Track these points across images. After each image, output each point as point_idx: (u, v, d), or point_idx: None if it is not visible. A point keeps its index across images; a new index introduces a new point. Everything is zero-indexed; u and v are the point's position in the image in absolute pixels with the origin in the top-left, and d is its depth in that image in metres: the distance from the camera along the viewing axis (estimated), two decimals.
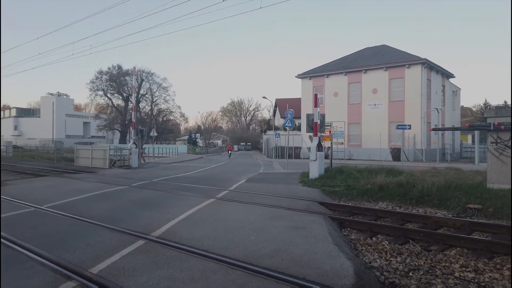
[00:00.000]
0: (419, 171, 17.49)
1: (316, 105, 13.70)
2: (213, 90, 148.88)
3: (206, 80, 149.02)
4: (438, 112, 30.08)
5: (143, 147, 22.87)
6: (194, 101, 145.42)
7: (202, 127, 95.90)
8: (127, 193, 11.15)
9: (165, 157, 35.18)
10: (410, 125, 22.84)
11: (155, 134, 30.83)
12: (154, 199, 9.93)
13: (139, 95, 50.03)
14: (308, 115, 14.60)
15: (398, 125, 21.95)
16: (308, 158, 35.68)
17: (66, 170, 19.00)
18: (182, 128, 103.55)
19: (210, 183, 13.64)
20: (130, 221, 7.21)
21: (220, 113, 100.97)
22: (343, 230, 7.31)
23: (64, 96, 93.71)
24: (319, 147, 13.64)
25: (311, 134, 14.55)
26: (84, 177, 15.85)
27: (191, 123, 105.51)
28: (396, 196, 9.99)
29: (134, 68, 21.55)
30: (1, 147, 30.67)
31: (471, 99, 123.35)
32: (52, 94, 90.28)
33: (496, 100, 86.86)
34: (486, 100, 68.38)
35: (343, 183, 12.04)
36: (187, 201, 9.48)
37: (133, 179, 14.74)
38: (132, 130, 21.47)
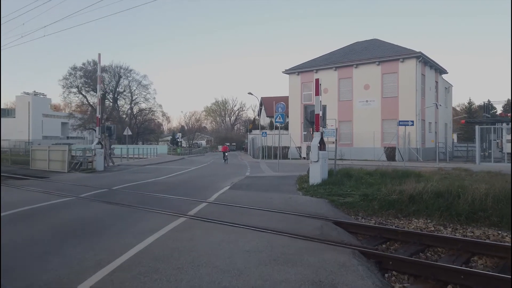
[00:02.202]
0: (425, 173, 15.05)
1: (317, 93, 10.82)
2: (196, 90, 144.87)
3: (189, 79, 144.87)
4: (437, 108, 27.82)
5: (111, 147, 19.56)
6: (176, 100, 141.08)
7: (186, 127, 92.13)
8: (65, 209, 7.97)
9: (142, 158, 31.74)
10: (412, 121, 20.33)
11: (129, 133, 27.41)
12: (98, 220, 6.81)
13: (117, 93, 46.19)
14: (306, 107, 11.72)
15: (400, 121, 19.40)
16: (298, 158, 33.21)
17: (14, 175, 15.52)
18: (165, 128, 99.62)
19: (185, 191, 10.57)
20: (33, 270, 4.14)
21: (204, 113, 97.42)
22: (386, 275, 4.44)
23: (41, 96, 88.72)
24: (322, 145, 10.78)
25: (309, 130, 11.68)
26: (28, 184, 12.50)
27: (175, 123, 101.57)
28: (436, 211, 7.19)
29: (99, 55, 18.16)
30: None
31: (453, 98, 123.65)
32: (27, 94, 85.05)
33: (479, 98, 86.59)
34: (470, 99, 67.58)
35: (355, 191, 9.19)
36: (144, 223, 6.41)
37: (89, 187, 11.51)
38: (97, 128, 18.14)
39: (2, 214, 6.98)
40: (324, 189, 9.66)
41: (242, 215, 7.05)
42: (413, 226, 6.81)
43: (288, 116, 36.84)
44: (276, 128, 38.21)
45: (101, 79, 18.26)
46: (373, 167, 13.54)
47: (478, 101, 71.79)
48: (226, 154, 30.47)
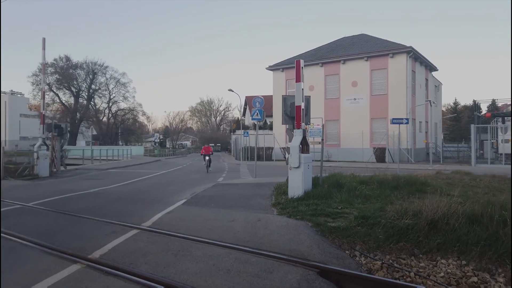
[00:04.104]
0: (423, 177, 12.83)
1: (298, 79, 8.26)
2: (181, 90, 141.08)
3: (173, 79, 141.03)
4: (431, 106, 25.70)
5: (63, 148, 16.60)
6: (161, 100, 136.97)
7: (170, 128, 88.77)
8: None
9: (113, 160, 28.66)
10: (407, 119, 18.03)
11: (94, 132, 24.37)
12: None
13: (91, 90, 42.84)
14: (285, 98, 9.17)
15: (393, 119, 17.06)
16: (282, 160, 30.70)
17: None
18: (150, 128, 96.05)
19: (123, 208, 7.86)
20: None
21: (189, 112, 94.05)
22: None
23: (18, 95, 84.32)
24: (304, 146, 8.22)
25: (290, 126, 9.11)
26: None
27: (159, 123, 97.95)
28: (473, 246, 4.68)
29: (43, 39, 15.10)
30: None
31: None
32: (4, 93, 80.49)
33: (465, 99, 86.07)
34: (456, 100, 66.50)
35: (349, 208, 6.67)
36: None
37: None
38: (41, 126, 15.20)
39: None
40: (307, 205, 7.08)
41: (175, 258, 4.39)
42: (442, 274, 4.28)
43: (272, 116, 34.39)
44: (260, 127, 35.66)
45: (45, 67, 15.30)
46: (367, 172, 11.08)
47: (463, 102, 70.82)
48: (208, 158, 19.54)
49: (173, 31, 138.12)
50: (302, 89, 8.23)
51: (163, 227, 5.98)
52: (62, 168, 16.69)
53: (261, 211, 7.10)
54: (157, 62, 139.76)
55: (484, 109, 59.49)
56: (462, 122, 59.99)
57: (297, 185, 7.96)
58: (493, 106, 58.42)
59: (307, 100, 9.07)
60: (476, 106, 31.85)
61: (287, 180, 9.35)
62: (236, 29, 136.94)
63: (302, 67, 8.20)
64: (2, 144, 14.55)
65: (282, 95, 9.36)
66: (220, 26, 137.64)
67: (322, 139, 9.17)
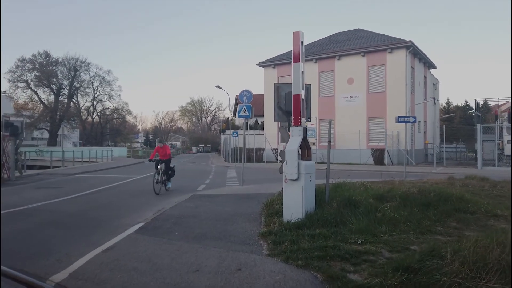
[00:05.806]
0: (433, 182, 10.89)
1: (297, 58, 5.93)
2: (171, 90, 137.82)
3: (164, 79, 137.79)
4: (434, 103, 23.72)
5: (18, 151, 14.04)
6: (150, 100, 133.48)
7: (160, 128, 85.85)
8: None
9: (89, 162, 25.95)
10: (414, 117, 15.91)
11: (64, 132, 21.78)
12: None
13: (73, 88, 39.91)
14: (278, 87, 6.85)
15: (399, 117, 14.89)
16: (274, 162, 28.34)
17: None
18: (140, 129, 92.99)
19: (46, 240, 5.44)
20: None
21: (179, 112, 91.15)
22: None
23: (2, 94, 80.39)
24: (305, 150, 5.91)
25: (284, 123, 6.81)
26: None
27: (149, 124, 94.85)
28: None
29: None
30: None
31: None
32: None
33: (458, 99, 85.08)
34: (448, 99, 65.18)
35: (373, 245, 4.39)
36: None
37: None
38: None
39: None
40: (312, 237, 4.76)
41: None
42: None
43: (263, 116, 32.13)
44: (250, 127, 33.37)
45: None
46: (372, 177, 8.85)
47: (455, 102, 69.62)
48: (161, 166, 10.60)
49: (165, 31, 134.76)
50: (302, 71, 5.90)
51: (81, 285, 3.59)
52: (17, 173, 14.13)
53: (244, 247, 4.74)
54: (148, 61, 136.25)
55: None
56: (454, 122, 58.63)
57: (295, 204, 5.63)
58: (485, 106, 57.22)
59: (307, 89, 6.76)
60: (476, 106, 30.03)
61: (280, 193, 7.05)
62: (228, 28, 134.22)
63: (302, 42, 5.87)
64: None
65: (275, 83, 7.02)
66: (212, 26, 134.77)
67: (329, 141, 6.85)
